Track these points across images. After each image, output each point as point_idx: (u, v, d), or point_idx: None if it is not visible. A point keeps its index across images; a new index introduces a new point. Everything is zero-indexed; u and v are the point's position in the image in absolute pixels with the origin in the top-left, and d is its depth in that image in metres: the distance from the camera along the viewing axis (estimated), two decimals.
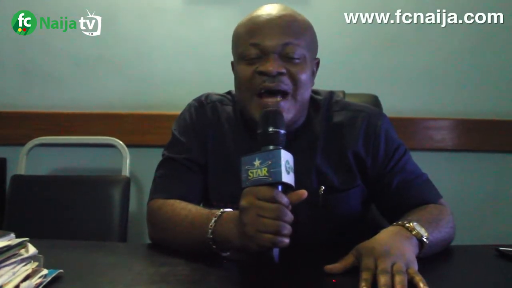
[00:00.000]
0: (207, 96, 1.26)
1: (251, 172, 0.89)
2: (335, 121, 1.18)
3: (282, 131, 0.93)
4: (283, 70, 1.08)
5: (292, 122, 1.12)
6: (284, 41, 1.08)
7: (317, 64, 1.19)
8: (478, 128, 2.15)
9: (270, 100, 1.08)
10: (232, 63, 1.19)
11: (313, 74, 1.17)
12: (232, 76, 1.20)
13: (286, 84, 1.08)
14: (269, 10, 1.12)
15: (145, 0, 2.13)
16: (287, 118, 1.07)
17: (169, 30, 2.14)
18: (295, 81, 1.09)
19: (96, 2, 2.09)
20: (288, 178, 0.88)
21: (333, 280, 0.88)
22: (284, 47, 1.08)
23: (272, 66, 1.06)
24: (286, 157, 0.89)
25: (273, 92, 1.08)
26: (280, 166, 0.87)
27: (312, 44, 1.16)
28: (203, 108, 1.23)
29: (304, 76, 1.10)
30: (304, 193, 0.89)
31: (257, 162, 0.89)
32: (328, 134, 1.17)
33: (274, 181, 0.87)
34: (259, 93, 1.08)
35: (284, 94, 1.09)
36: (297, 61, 1.09)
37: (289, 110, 1.09)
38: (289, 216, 0.87)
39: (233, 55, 1.18)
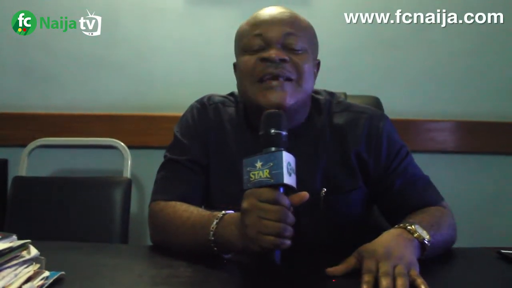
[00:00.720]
0: (209, 97, 1.26)
1: (252, 174, 0.89)
2: (337, 123, 1.18)
3: (284, 133, 0.93)
4: (286, 58, 1.09)
5: (294, 110, 1.11)
6: (287, 31, 1.10)
7: (318, 65, 1.20)
8: (479, 130, 2.14)
9: (274, 82, 1.08)
10: (234, 65, 1.19)
11: (314, 74, 1.17)
12: (234, 76, 1.20)
13: (289, 71, 1.09)
14: (271, 9, 1.15)
15: (146, 0, 2.13)
16: (289, 103, 1.08)
17: (170, 30, 2.13)
18: (298, 69, 1.10)
19: (96, 2, 2.08)
20: (289, 180, 0.88)
21: (333, 280, 0.88)
22: (286, 37, 1.10)
23: (275, 53, 1.08)
24: (288, 158, 0.89)
25: (276, 77, 1.08)
26: (281, 168, 0.87)
27: (313, 44, 1.17)
28: (205, 109, 1.23)
29: (307, 66, 1.11)
30: (305, 195, 0.89)
31: (258, 164, 0.89)
32: (330, 135, 1.17)
33: (276, 183, 0.87)
34: (262, 79, 1.09)
35: (287, 79, 1.09)
36: (299, 51, 1.11)
37: (292, 94, 1.09)
38: (291, 218, 0.88)
39: (235, 53, 1.18)
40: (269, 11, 1.15)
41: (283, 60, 1.08)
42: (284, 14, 1.14)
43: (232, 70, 1.21)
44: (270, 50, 1.09)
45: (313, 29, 1.19)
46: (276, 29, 1.10)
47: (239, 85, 1.17)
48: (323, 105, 1.20)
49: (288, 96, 1.08)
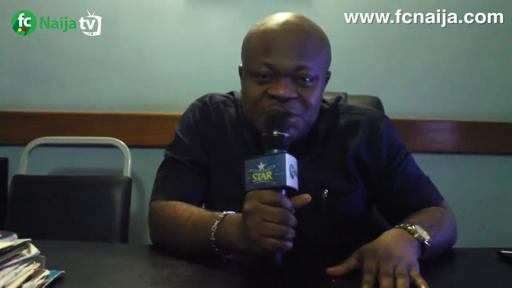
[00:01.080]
0: (211, 96, 1.24)
1: (255, 176, 0.89)
2: (338, 125, 1.18)
3: (287, 135, 0.93)
4: (295, 95, 1.05)
5: (297, 137, 1.09)
6: (299, 64, 1.04)
7: (328, 78, 1.16)
8: (480, 130, 2.14)
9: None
10: (240, 68, 1.16)
11: (323, 87, 1.14)
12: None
13: (295, 108, 1.06)
14: (285, 24, 1.06)
15: (146, 0, 2.13)
16: (294, 134, 1.05)
17: (170, 30, 2.13)
18: (305, 104, 1.06)
19: (96, 2, 2.08)
20: (292, 182, 0.88)
21: (333, 280, 0.88)
22: (298, 70, 1.04)
23: (284, 90, 1.03)
24: (290, 161, 0.89)
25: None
26: (284, 170, 0.87)
27: (327, 61, 1.13)
28: (207, 109, 1.22)
29: (314, 100, 1.08)
30: (308, 197, 0.89)
31: (261, 166, 0.88)
32: (331, 137, 1.17)
33: (279, 185, 0.87)
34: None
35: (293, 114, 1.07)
36: (309, 84, 1.06)
37: (296, 125, 1.07)
38: (293, 220, 0.87)
39: (242, 63, 1.14)
40: (282, 30, 1.05)
41: (291, 98, 1.05)
42: (299, 38, 1.05)
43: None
44: (279, 85, 1.03)
45: (328, 43, 1.12)
46: (288, 60, 1.03)
47: (243, 104, 1.15)
48: (326, 111, 1.19)
49: (292, 129, 1.04)
